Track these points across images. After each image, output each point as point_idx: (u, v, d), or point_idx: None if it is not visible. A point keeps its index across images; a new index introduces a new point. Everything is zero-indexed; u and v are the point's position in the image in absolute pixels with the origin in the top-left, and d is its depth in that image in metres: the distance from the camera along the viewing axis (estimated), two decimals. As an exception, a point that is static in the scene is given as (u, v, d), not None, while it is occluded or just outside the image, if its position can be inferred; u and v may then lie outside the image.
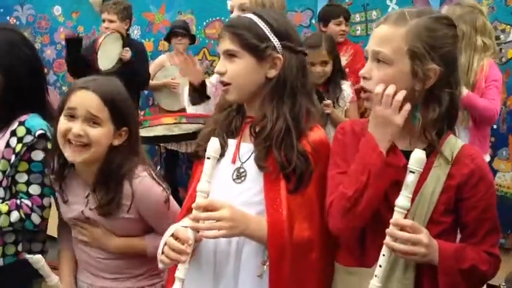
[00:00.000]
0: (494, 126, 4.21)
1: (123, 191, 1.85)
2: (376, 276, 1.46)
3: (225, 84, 1.69)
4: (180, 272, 1.55)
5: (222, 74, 1.68)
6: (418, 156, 1.44)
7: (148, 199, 1.87)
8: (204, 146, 1.68)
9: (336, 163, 1.64)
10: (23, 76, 2.05)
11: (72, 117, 1.81)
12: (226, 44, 1.67)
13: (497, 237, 1.59)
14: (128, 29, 4.70)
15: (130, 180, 1.85)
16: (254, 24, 1.67)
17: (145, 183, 1.87)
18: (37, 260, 1.77)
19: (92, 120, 1.81)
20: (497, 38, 4.33)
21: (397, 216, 1.45)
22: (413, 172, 1.44)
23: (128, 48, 4.39)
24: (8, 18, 5.88)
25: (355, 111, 3.54)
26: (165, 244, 1.60)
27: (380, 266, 1.46)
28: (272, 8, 2.48)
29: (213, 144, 1.58)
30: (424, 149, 1.51)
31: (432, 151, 1.54)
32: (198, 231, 1.56)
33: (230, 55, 1.67)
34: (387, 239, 1.45)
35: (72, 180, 1.96)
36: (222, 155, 1.68)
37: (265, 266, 1.61)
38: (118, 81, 1.94)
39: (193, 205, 1.55)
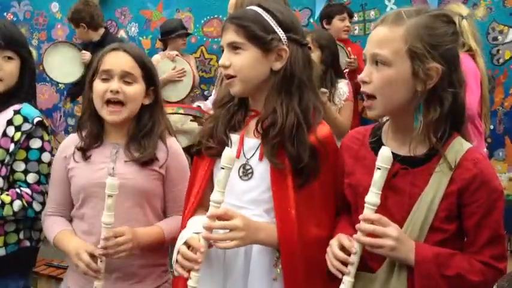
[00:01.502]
0: (491, 127, 4.22)
1: (157, 147, 1.94)
2: (349, 272, 1.46)
3: (229, 77, 1.65)
4: (192, 280, 1.54)
5: (226, 67, 1.64)
6: (384, 154, 1.45)
7: (179, 158, 1.99)
8: (206, 143, 1.67)
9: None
10: (31, 65, 2.19)
11: (107, 79, 1.91)
12: (231, 36, 1.63)
13: (500, 249, 1.49)
14: (88, 29, 4.63)
15: (163, 140, 1.97)
16: (259, 16, 1.64)
17: (175, 143, 2.03)
18: (115, 182, 1.75)
19: (127, 77, 1.91)
20: (495, 39, 4.35)
21: (366, 212, 1.46)
22: (380, 169, 1.45)
23: (84, 52, 4.40)
24: (5, 14, 5.86)
25: (349, 111, 3.50)
26: (178, 253, 1.59)
27: (352, 262, 1.46)
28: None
29: (227, 154, 1.53)
30: (426, 153, 1.49)
31: (434, 155, 1.49)
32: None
33: (235, 47, 1.63)
34: (357, 234, 1.45)
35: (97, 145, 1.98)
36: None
37: (278, 269, 1.59)
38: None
39: (207, 215, 1.53)
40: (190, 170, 1.89)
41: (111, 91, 1.87)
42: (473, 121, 3.28)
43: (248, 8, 1.70)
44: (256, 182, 1.64)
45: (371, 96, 1.51)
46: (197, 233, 1.59)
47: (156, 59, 4.82)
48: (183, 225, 1.72)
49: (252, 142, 1.66)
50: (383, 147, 1.47)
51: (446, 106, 1.47)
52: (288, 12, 1.72)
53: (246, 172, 1.65)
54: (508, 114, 4.37)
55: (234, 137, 1.67)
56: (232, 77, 1.64)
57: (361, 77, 1.51)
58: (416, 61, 1.44)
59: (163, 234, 1.91)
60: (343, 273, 1.47)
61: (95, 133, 1.96)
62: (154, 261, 1.97)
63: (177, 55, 4.64)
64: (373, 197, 1.45)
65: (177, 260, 1.59)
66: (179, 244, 1.61)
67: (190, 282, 1.54)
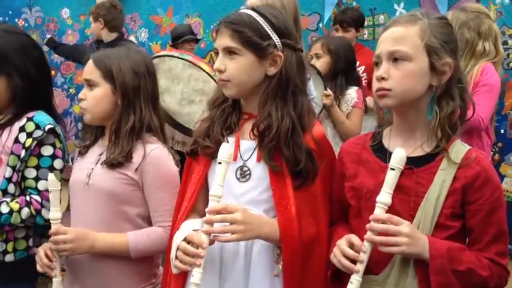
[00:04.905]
0: (502, 131, 4.21)
1: (134, 148, 1.90)
2: (358, 270, 1.47)
3: (224, 80, 1.66)
4: (195, 277, 1.52)
5: (221, 71, 1.65)
6: (398, 155, 1.49)
7: (158, 165, 1.90)
8: (203, 143, 1.68)
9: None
10: (34, 76, 2.13)
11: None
12: (226, 41, 1.63)
13: (504, 246, 1.53)
14: (104, 27, 4.68)
15: (143, 143, 1.91)
16: (255, 21, 1.64)
17: (161, 151, 1.93)
18: (53, 177, 1.85)
19: (88, 83, 1.96)
20: (505, 43, 4.33)
21: (377, 212, 1.48)
22: (394, 169, 1.48)
23: None
24: (16, 20, 5.91)
25: (358, 117, 3.49)
26: (178, 249, 1.58)
27: (362, 260, 1.47)
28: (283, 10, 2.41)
29: (225, 149, 1.56)
30: (429, 153, 1.53)
31: (437, 154, 1.53)
32: (211, 235, 1.54)
33: (230, 52, 1.64)
34: (368, 234, 1.47)
35: (94, 146, 2.05)
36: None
37: (280, 265, 1.60)
38: (134, 50, 2.06)
39: (207, 210, 1.54)
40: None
41: (78, 99, 1.98)
42: (487, 130, 3.28)
43: (242, 11, 1.70)
44: (254, 183, 1.66)
45: (386, 89, 1.54)
46: (195, 230, 1.60)
47: (168, 64, 4.84)
48: (174, 232, 1.70)
49: (248, 144, 1.68)
50: (397, 148, 1.50)
51: (457, 101, 1.54)
52: (282, 17, 1.72)
53: (244, 174, 1.67)
54: (518, 118, 4.36)
55: (230, 139, 1.68)
56: (226, 81, 1.65)
57: (379, 74, 1.54)
58: (433, 55, 1.52)
59: (127, 243, 1.87)
60: (350, 273, 1.48)
61: (96, 134, 2.05)
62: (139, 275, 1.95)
63: None
64: (385, 196, 1.48)
65: (176, 256, 1.59)
66: (177, 243, 1.60)
67: (193, 280, 1.52)
